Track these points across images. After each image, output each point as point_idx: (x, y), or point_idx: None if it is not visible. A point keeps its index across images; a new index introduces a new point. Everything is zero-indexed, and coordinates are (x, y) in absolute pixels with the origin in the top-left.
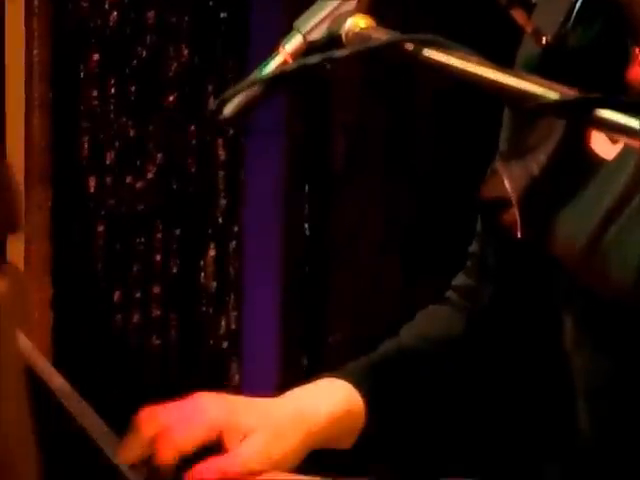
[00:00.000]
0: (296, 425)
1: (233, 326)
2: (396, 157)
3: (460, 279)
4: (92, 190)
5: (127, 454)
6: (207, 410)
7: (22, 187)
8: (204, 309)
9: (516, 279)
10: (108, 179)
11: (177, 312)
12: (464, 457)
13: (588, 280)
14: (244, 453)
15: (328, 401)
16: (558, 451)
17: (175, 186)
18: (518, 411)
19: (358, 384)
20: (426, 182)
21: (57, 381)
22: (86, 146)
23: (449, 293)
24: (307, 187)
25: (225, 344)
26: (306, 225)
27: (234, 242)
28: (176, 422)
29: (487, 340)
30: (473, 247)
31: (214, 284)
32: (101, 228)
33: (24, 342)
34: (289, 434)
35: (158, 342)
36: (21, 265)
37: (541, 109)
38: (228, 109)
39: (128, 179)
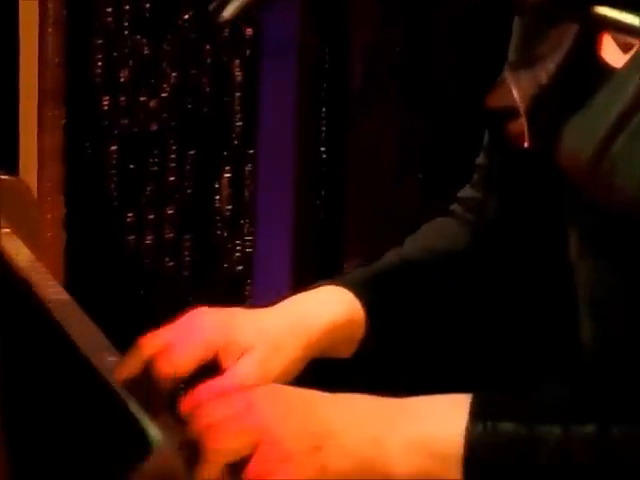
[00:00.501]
0: (294, 336)
1: (248, 250)
2: (413, 80)
3: (466, 192)
4: (105, 109)
5: (123, 371)
6: (204, 329)
7: (35, 105)
8: (219, 232)
9: (522, 191)
10: (122, 98)
11: (191, 234)
12: (464, 370)
13: (594, 191)
14: (241, 371)
15: (328, 309)
16: (560, 363)
17: (190, 106)
18: (520, 324)
19: (359, 293)
20: (443, 105)
21: (57, 295)
22: (100, 64)
23: (454, 206)
24: (324, 109)
25: (239, 268)
26: (322, 148)
27: (249, 165)
28: (174, 342)
29: (491, 253)
30: (480, 159)
31: (229, 207)
32: (114, 148)
33: (26, 254)
34: (287, 346)
35: (171, 264)
36: (34, 184)
37: (540, 6)
38: (228, 10)
39: (142, 98)
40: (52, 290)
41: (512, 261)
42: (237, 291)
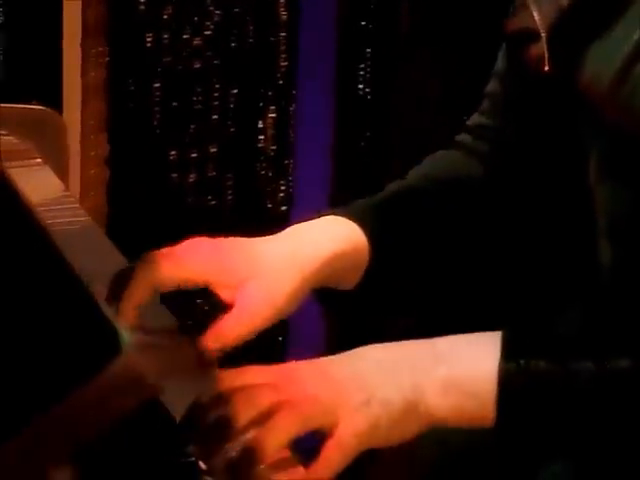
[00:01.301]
0: (293, 265)
1: (291, 190)
2: (458, 24)
3: (475, 120)
4: (149, 46)
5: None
6: (197, 256)
7: (79, 41)
8: (262, 172)
9: (540, 116)
10: (165, 35)
11: (233, 173)
12: (476, 299)
13: (614, 114)
14: (249, 305)
15: (329, 238)
16: (579, 290)
17: (233, 44)
18: (538, 250)
19: (362, 222)
20: (489, 49)
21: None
22: (143, 1)
23: (461, 136)
24: (368, 50)
25: (283, 208)
26: (367, 89)
27: (293, 105)
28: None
29: (507, 180)
30: (491, 86)
31: (273, 147)
32: (157, 85)
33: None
34: (286, 276)
35: (213, 203)
36: (77, 122)
37: None
38: None
39: (185, 36)
40: (78, 219)
41: (530, 187)
42: (279, 231)
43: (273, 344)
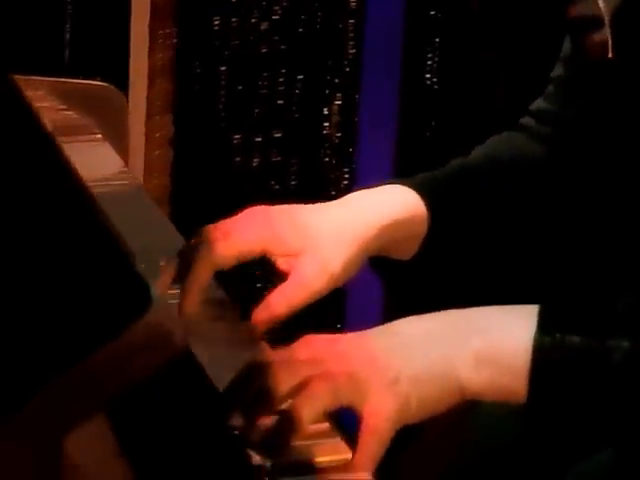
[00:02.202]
0: (352, 233)
1: (354, 177)
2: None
3: (539, 104)
4: (216, 29)
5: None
6: (256, 225)
7: (147, 22)
8: (326, 159)
9: (604, 103)
10: (233, 19)
11: (298, 159)
12: (527, 279)
13: None
14: (303, 275)
15: (389, 205)
16: (632, 276)
17: (301, 30)
18: (594, 236)
19: (422, 192)
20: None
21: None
22: None
23: (525, 119)
24: (436, 39)
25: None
26: (434, 79)
27: (359, 93)
28: (225, 233)
29: (569, 165)
30: (556, 71)
31: (337, 134)
32: (223, 68)
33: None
34: (344, 244)
35: (277, 187)
36: (143, 102)
37: None
38: None
39: (253, 20)
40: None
41: (591, 171)
42: None
43: (330, 316)
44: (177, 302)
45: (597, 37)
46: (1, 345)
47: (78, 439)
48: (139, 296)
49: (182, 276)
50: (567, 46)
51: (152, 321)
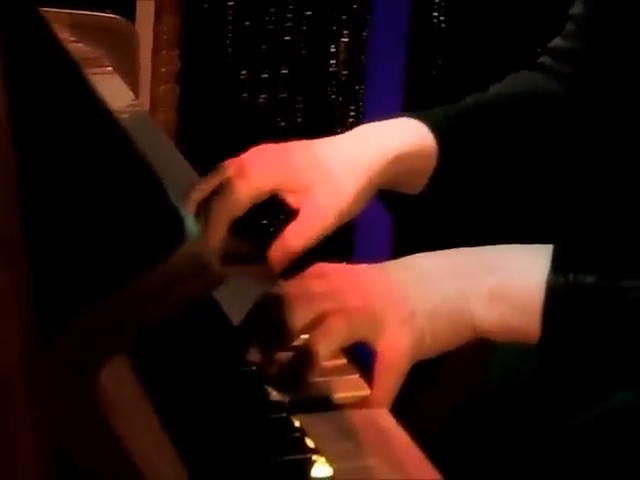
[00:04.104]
0: (361, 165)
1: (361, 116)
2: None
3: (558, 43)
4: None
5: (195, 195)
6: (262, 165)
7: None
8: (332, 96)
9: (626, 40)
10: None
11: (304, 96)
12: (536, 219)
13: None
14: (314, 211)
15: (399, 138)
16: None
17: None
18: (609, 175)
19: (433, 125)
20: None
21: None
22: None
23: (543, 58)
24: None
25: None
26: (442, 17)
27: (366, 31)
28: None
29: (587, 101)
30: (576, 9)
31: (345, 72)
32: (231, 3)
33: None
34: (353, 176)
35: (283, 124)
36: (150, 37)
37: None
38: None
39: None
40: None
41: (609, 111)
42: None
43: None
44: None
45: None
46: (40, 273)
47: (111, 369)
48: (176, 227)
49: (205, 218)
50: None
51: (190, 252)
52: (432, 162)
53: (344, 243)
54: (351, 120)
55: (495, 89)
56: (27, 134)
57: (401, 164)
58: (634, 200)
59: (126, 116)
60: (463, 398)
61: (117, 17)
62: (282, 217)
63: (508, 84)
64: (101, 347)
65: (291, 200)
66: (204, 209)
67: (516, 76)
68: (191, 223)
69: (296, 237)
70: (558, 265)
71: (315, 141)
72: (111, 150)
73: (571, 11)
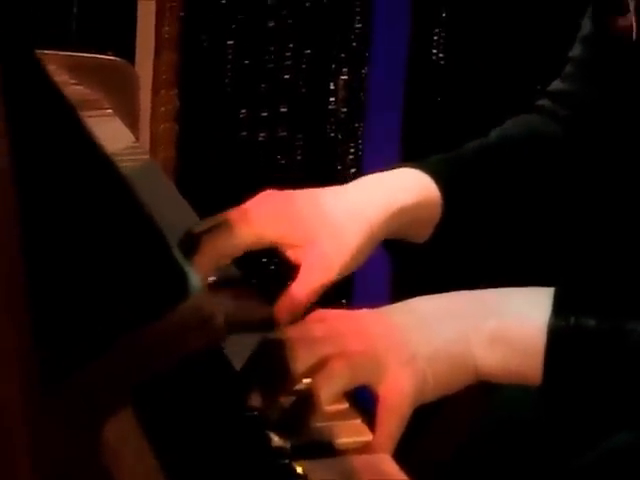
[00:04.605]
0: (364, 218)
1: (360, 153)
2: None
3: (557, 85)
4: (223, 2)
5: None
6: (267, 214)
7: None
8: (332, 134)
9: (625, 85)
10: None
11: (304, 134)
12: (540, 261)
13: None
14: (318, 263)
15: (402, 189)
16: None
17: (308, 4)
18: (611, 216)
19: (435, 175)
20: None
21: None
22: None
23: (543, 101)
24: (443, 14)
25: (352, 171)
26: (441, 54)
27: (366, 68)
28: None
29: (587, 144)
30: (575, 51)
31: (344, 109)
32: (230, 42)
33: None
34: (356, 229)
35: (283, 162)
36: (149, 77)
37: None
38: None
39: None
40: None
41: (608, 154)
42: None
43: (337, 293)
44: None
45: (622, 21)
46: (43, 324)
47: (115, 420)
48: (179, 281)
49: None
50: (587, 26)
51: (194, 305)
52: (437, 212)
53: (343, 289)
54: (351, 157)
55: (495, 133)
56: (28, 183)
57: (405, 216)
58: (634, 241)
59: (126, 158)
60: (465, 438)
61: (116, 59)
62: (281, 257)
63: (508, 128)
64: (105, 400)
65: (290, 254)
66: (198, 240)
67: (516, 120)
68: (195, 277)
69: (302, 290)
70: (560, 308)
71: (319, 190)
72: (113, 201)
73: (570, 53)
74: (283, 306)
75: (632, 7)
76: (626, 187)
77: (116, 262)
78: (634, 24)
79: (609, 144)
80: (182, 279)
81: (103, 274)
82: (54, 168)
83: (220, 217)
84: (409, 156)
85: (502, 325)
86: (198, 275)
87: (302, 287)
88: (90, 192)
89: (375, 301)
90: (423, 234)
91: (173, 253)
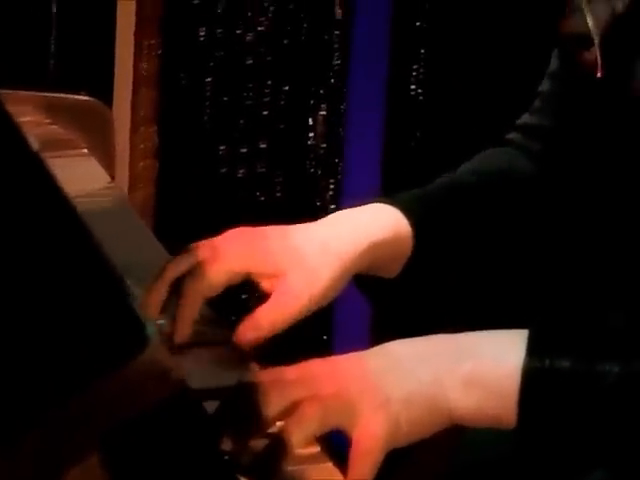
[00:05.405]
0: (335, 253)
1: (339, 188)
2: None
3: (526, 119)
4: (202, 40)
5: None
6: (237, 250)
7: (132, 32)
8: (312, 170)
9: (593, 119)
10: (218, 30)
11: (283, 170)
12: (515, 297)
13: None
14: (286, 294)
15: (373, 224)
16: (624, 297)
17: (286, 41)
18: (583, 254)
19: (407, 210)
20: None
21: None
22: None
23: (512, 135)
24: (421, 50)
25: (332, 206)
26: (420, 90)
27: (344, 104)
28: (204, 261)
29: (555, 180)
30: (544, 86)
31: (323, 145)
32: (209, 79)
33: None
34: (327, 264)
35: (262, 199)
36: (128, 113)
37: None
38: None
39: (238, 31)
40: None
41: (577, 189)
42: None
43: (318, 341)
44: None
45: (587, 55)
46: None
47: (74, 472)
48: (136, 334)
49: (174, 302)
50: (555, 61)
51: (148, 359)
52: (407, 247)
53: (324, 325)
54: (330, 193)
55: (465, 168)
56: None
57: (376, 251)
58: (609, 281)
59: (100, 199)
60: (440, 476)
61: (91, 99)
62: (260, 294)
63: (478, 163)
64: (67, 449)
65: (265, 284)
66: (176, 290)
67: (485, 154)
68: (151, 328)
69: (266, 318)
70: (534, 349)
71: (291, 227)
72: (71, 252)
73: (540, 88)
74: (244, 329)
75: (596, 42)
76: (596, 223)
77: (73, 313)
78: (599, 59)
79: (578, 179)
80: (139, 331)
81: (61, 326)
82: (10, 214)
83: (190, 253)
84: (389, 191)
85: (476, 368)
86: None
87: (266, 312)
88: (47, 239)
89: (355, 337)
90: (393, 270)
91: (131, 305)
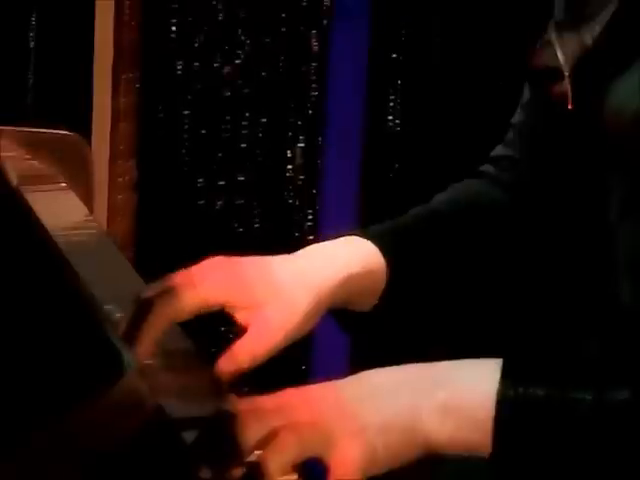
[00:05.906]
0: (311, 286)
1: (318, 220)
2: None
3: (499, 151)
4: (179, 74)
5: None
6: (214, 280)
7: (110, 66)
8: (290, 201)
9: (563, 151)
10: (196, 63)
11: (261, 202)
12: (491, 330)
13: (637, 152)
14: (263, 327)
15: (347, 258)
16: (598, 326)
17: (264, 74)
18: (556, 284)
19: (380, 243)
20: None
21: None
22: (175, 28)
23: (485, 167)
24: (398, 81)
25: (310, 237)
26: (397, 121)
27: (322, 136)
28: (180, 288)
29: (527, 212)
30: (516, 118)
31: (301, 176)
32: (187, 112)
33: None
34: (303, 296)
35: (240, 230)
36: (106, 146)
37: None
38: None
39: (216, 64)
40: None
41: (549, 220)
42: None
43: (297, 371)
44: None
45: (557, 88)
46: None
47: None
48: (112, 363)
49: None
50: (527, 93)
51: (124, 388)
52: (382, 281)
53: (302, 356)
54: (309, 224)
55: (439, 198)
56: None
57: (351, 284)
58: (583, 309)
59: (79, 232)
60: None
61: (70, 133)
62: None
63: (451, 194)
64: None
65: (239, 317)
66: (145, 308)
67: (459, 186)
68: (128, 357)
69: (244, 352)
70: (507, 378)
71: (268, 258)
72: (49, 284)
73: (512, 119)
74: (225, 362)
75: (567, 75)
76: (569, 252)
77: (50, 343)
78: (569, 92)
79: (549, 209)
80: (116, 359)
81: (38, 355)
82: None
83: (166, 281)
84: (366, 222)
85: (452, 396)
86: (133, 355)
87: (245, 346)
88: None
89: (334, 367)
90: (368, 302)
91: (110, 335)
